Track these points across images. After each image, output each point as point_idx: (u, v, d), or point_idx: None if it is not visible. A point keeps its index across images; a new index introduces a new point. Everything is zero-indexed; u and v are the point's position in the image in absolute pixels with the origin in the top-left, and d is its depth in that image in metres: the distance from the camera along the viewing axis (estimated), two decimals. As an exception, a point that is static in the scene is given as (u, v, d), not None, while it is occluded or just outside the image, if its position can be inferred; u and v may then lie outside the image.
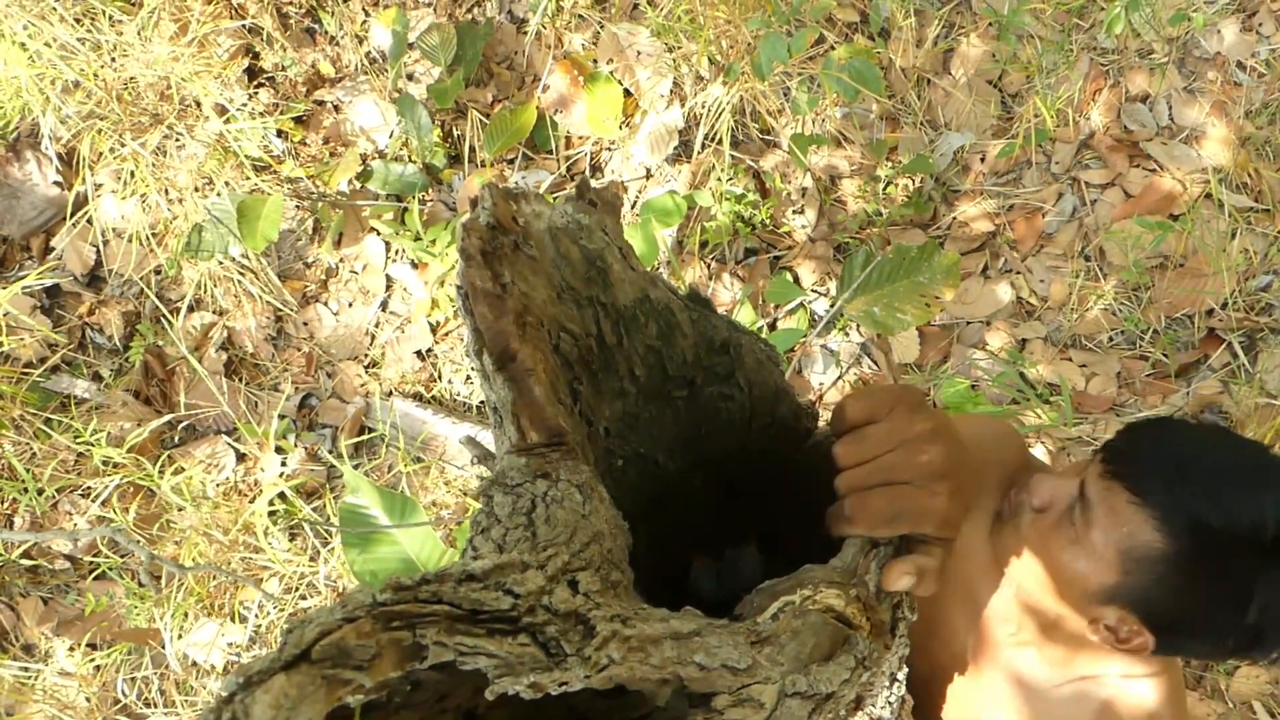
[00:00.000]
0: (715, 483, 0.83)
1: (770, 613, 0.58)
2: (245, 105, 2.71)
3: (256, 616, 2.45)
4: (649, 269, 0.70)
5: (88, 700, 2.43)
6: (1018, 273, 2.59)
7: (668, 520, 0.79)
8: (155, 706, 2.43)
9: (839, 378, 2.55)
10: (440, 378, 2.70)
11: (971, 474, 0.78)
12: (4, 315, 2.57)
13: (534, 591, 0.47)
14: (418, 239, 2.66)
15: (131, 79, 2.65)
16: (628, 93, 2.71)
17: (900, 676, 0.74)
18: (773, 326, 2.58)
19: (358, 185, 2.75)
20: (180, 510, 2.48)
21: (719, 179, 2.61)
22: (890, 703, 0.74)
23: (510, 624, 0.45)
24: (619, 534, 0.59)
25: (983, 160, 2.68)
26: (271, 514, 2.49)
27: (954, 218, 2.64)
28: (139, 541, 2.22)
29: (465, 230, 0.59)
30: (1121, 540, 0.97)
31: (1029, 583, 1.09)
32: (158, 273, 2.73)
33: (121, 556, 2.54)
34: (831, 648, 0.59)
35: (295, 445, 2.63)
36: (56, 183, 2.75)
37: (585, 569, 0.51)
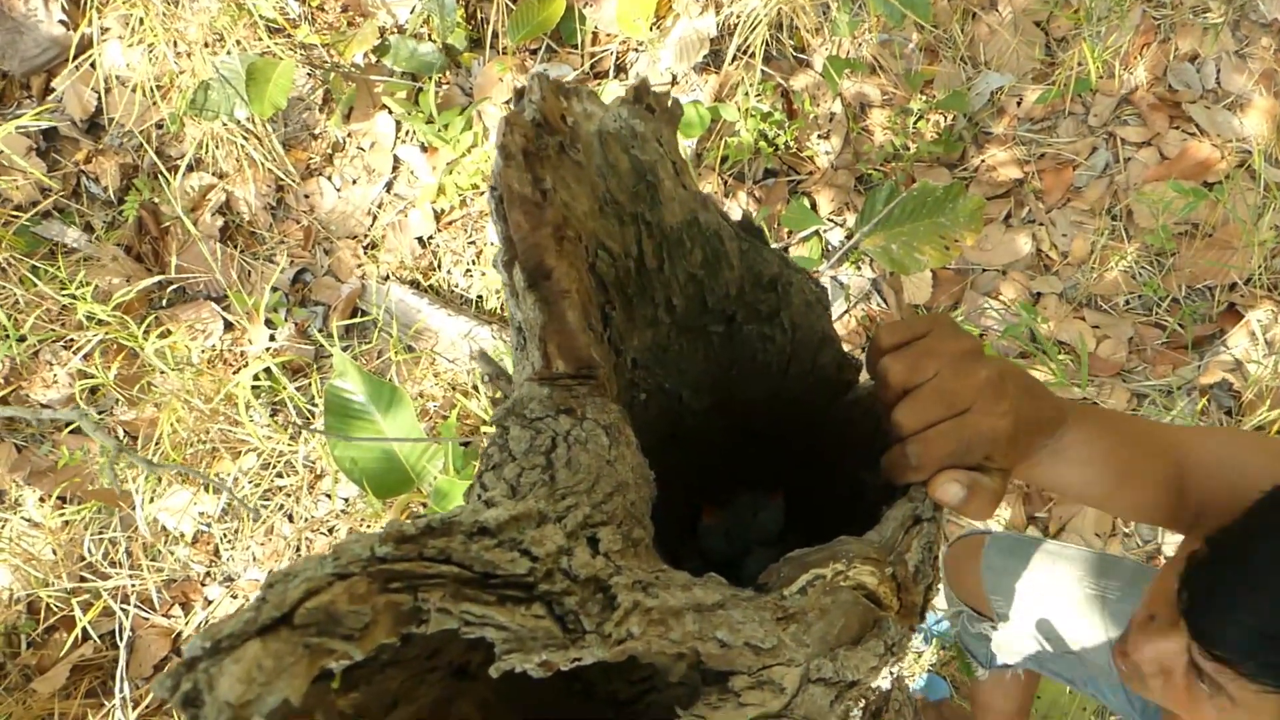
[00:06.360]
0: (737, 427, 0.77)
1: (798, 585, 0.53)
2: (264, -39, 2.59)
3: (231, 489, 2.41)
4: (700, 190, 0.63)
5: (53, 553, 2.39)
6: (1040, 224, 2.52)
7: (680, 460, 0.73)
8: (120, 567, 2.40)
9: (845, 312, 2.49)
10: (439, 267, 2.63)
11: (1030, 395, 0.70)
12: (-3, 153, 2.48)
13: (553, 553, 0.41)
14: (430, 121, 2.56)
15: (147, -81, 2.53)
16: (663, -8, 2.60)
17: (907, 650, 0.70)
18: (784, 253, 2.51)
19: (373, 59, 2.64)
20: (162, 374, 2.42)
21: (746, 94, 2.51)
22: (891, 673, 0.70)
23: (525, 591, 0.39)
24: (643, 485, 0.53)
25: (1019, 104, 2.59)
26: (254, 388, 2.44)
27: (983, 160, 2.55)
28: (128, 443, 2.17)
29: (508, 125, 0.52)
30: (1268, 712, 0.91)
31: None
32: (159, 127, 2.64)
33: (100, 412, 2.49)
34: (861, 630, 0.54)
35: (285, 320, 2.57)
36: (62, 21, 2.64)
37: (606, 524, 0.45)
